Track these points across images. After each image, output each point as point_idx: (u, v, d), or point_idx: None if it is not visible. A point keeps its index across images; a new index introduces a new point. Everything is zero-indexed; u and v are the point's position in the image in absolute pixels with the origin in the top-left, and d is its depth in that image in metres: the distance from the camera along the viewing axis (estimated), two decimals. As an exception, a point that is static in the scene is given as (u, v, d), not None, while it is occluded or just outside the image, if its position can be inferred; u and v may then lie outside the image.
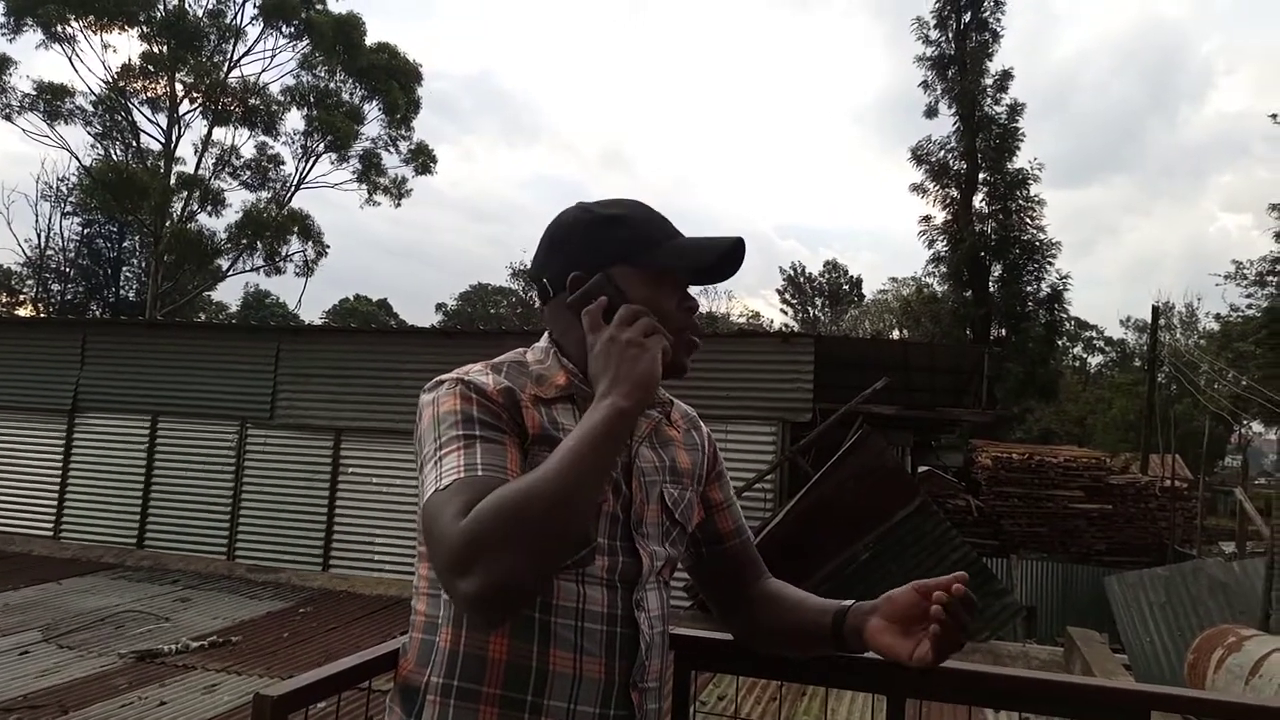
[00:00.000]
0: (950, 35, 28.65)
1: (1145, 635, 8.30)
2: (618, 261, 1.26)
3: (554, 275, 1.30)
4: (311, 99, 27.56)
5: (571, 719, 1.16)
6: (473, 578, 0.99)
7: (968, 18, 28.46)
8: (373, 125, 28.75)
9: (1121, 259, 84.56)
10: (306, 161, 28.54)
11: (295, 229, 28.82)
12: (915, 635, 1.20)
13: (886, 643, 1.23)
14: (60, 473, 11.21)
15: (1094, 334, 48.50)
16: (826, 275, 50.00)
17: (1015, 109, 28.12)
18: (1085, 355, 49.71)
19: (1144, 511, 14.13)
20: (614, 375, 1.14)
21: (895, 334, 38.05)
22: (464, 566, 1.00)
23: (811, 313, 49.19)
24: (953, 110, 28.45)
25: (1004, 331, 27.95)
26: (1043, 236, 28.15)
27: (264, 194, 28.88)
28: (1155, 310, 26.78)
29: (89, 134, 27.59)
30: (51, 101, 25.76)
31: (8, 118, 25.40)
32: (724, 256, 1.29)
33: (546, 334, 1.34)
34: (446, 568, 1.03)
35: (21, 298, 37.17)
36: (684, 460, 1.37)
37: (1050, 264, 28.14)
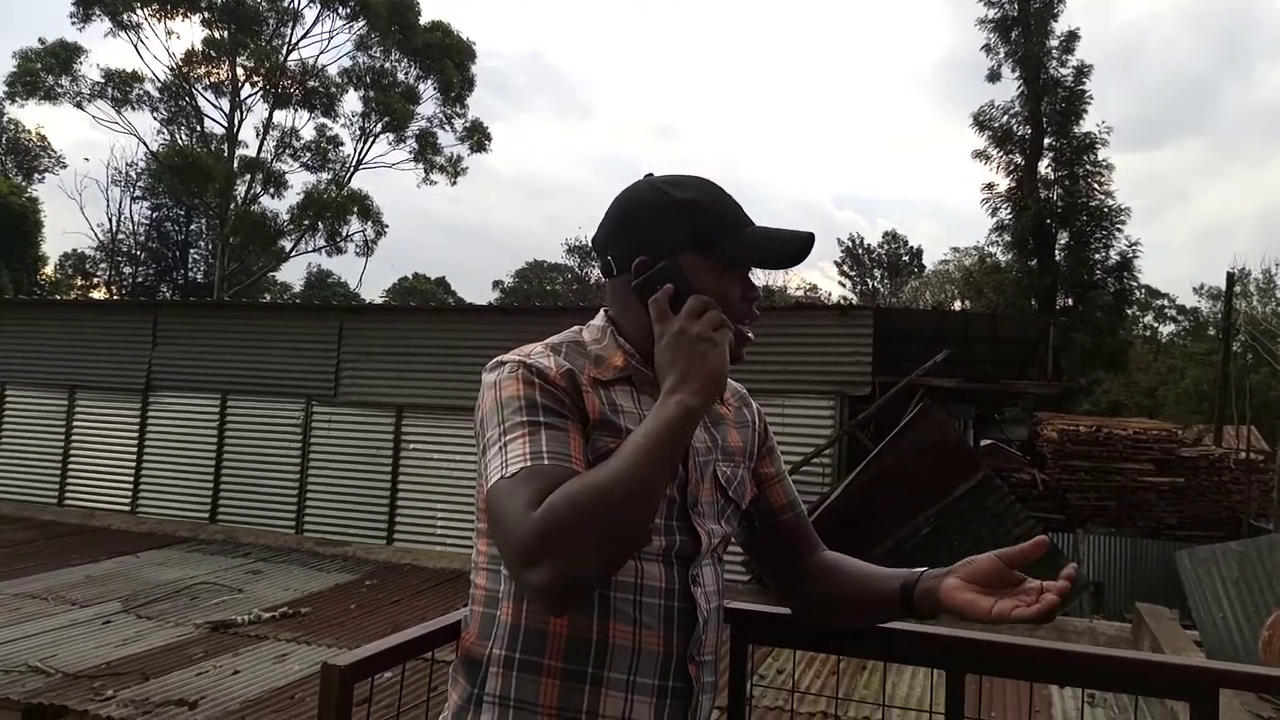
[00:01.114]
0: (1014, -4, 27.77)
1: (1218, 611, 8.08)
2: (687, 249, 1.24)
3: (620, 254, 1.28)
4: (368, 80, 27.90)
5: (631, 690, 1.18)
6: (542, 570, 1.01)
7: (1032, -23, 27.54)
8: (428, 105, 29.10)
9: (1194, 224, 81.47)
10: (365, 142, 28.99)
11: (355, 209, 29.31)
12: (997, 593, 1.21)
13: (966, 599, 1.22)
14: (136, 450, 11.60)
15: (1165, 302, 46.96)
16: (885, 246, 49.18)
17: (1082, 71, 27.18)
18: (1156, 324, 48.21)
19: (1217, 485, 13.72)
20: (683, 371, 1.13)
21: (957, 305, 37.33)
22: (534, 559, 1.02)
23: (870, 284, 48.47)
24: (1016, 74, 27.59)
25: (1070, 301, 27.20)
26: (1111, 202, 27.25)
27: (324, 175, 29.46)
28: (1230, 276, 25.81)
29: (155, 120, 28.39)
30: (120, 88, 26.50)
31: (79, 105, 26.22)
32: (796, 252, 1.26)
33: (603, 311, 1.33)
34: (516, 558, 1.04)
35: (95, 280, 38.48)
36: (735, 438, 1.38)
37: (1119, 230, 27.25)
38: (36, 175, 36.48)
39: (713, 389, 1.13)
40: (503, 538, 1.07)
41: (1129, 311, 32.33)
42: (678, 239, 1.25)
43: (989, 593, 1.21)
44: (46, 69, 25.18)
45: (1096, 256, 27.33)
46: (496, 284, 50.48)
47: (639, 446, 1.06)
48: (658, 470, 1.06)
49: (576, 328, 1.32)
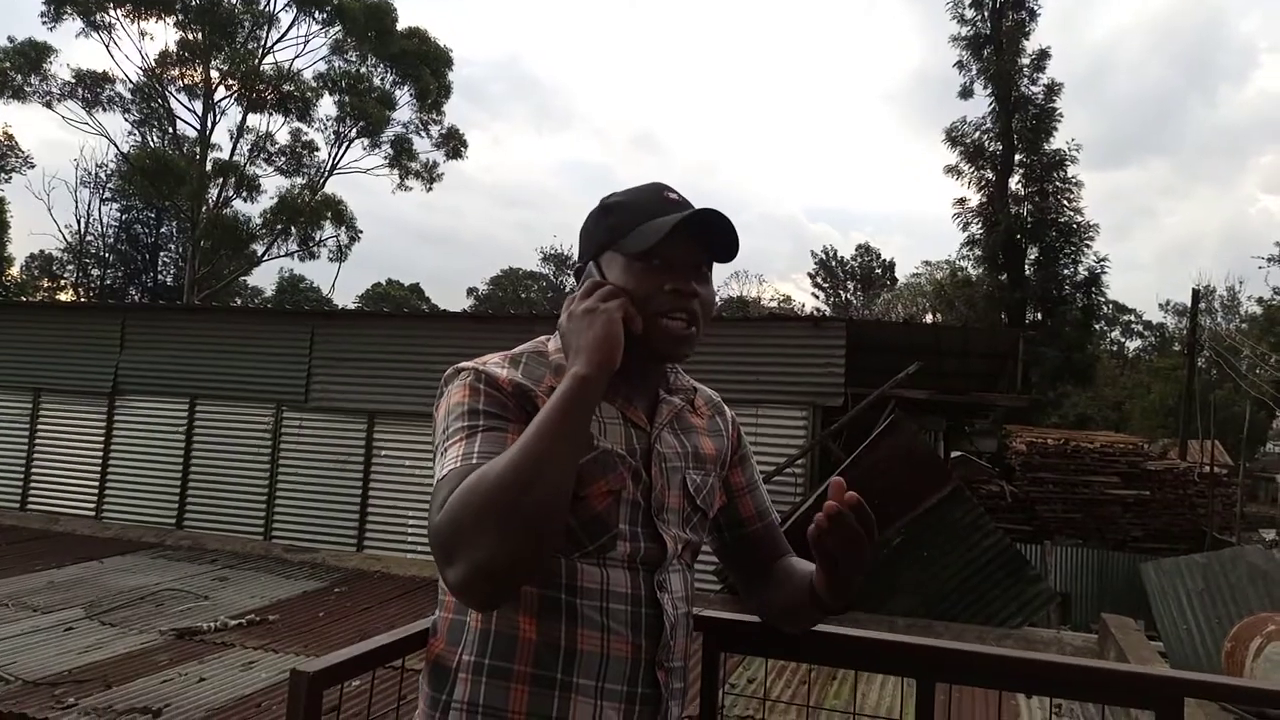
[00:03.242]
0: (986, 14, 28.18)
1: (1182, 623, 8.19)
2: (605, 249, 1.29)
3: (578, 267, 1.35)
4: (344, 85, 27.73)
5: (600, 696, 1.18)
6: (456, 565, 1.01)
7: (1004, -4, 27.97)
8: (404, 110, 28.96)
9: (1160, 242, 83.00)
10: (339, 147, 28.79)
11: (329, 214, 29.08)
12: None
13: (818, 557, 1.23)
14: (102, 454, 11.43)
15: (1132, 318, 47.75)
16: (858, 259, 49.60)
17: (1052, 89, 27.63)
18: (1123, 339, 49.02)
19: (1182, 498, 13.94)
20: (574, 344, 1.15)
21: (928, 318, 37.68)
22: (447, 555, 1.02)
23: (843, 296, 48.83)
24: (988, 90, 28.01)
25: (1040, 315, 27.57)
26: (1080, 219, 27.72)
27: (298, 180, 29.19)
28: (1195, 293, 26.30)
29: (127, 121, 28.06)
30: (91, 89, 26.16)
31: (48, 105, 25.83)
32: (684, 232, 1.22)
33: None
34: (436, 558, 1.05)
35: (63, 282, 37.94)
36: (707, 446, 1.38)
37: (1088, 247, 27.71)
38: (3, 175, 35.93)
39: (602, 353, 1.13)
40: (429, 540, 1.08)
41: (1097, 326, 32.81)
42: (598, 241, 1.30)
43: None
44: (15, 68, 24.81)
45: (1065, 272, 27.72)
46: (471, 291, 50.45)
47: (535, 425, 1.07)
48: (557, 444, 1.05)
49: (544, 337, 1.33)
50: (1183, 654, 7.99)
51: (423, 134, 29.28)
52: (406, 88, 28.48)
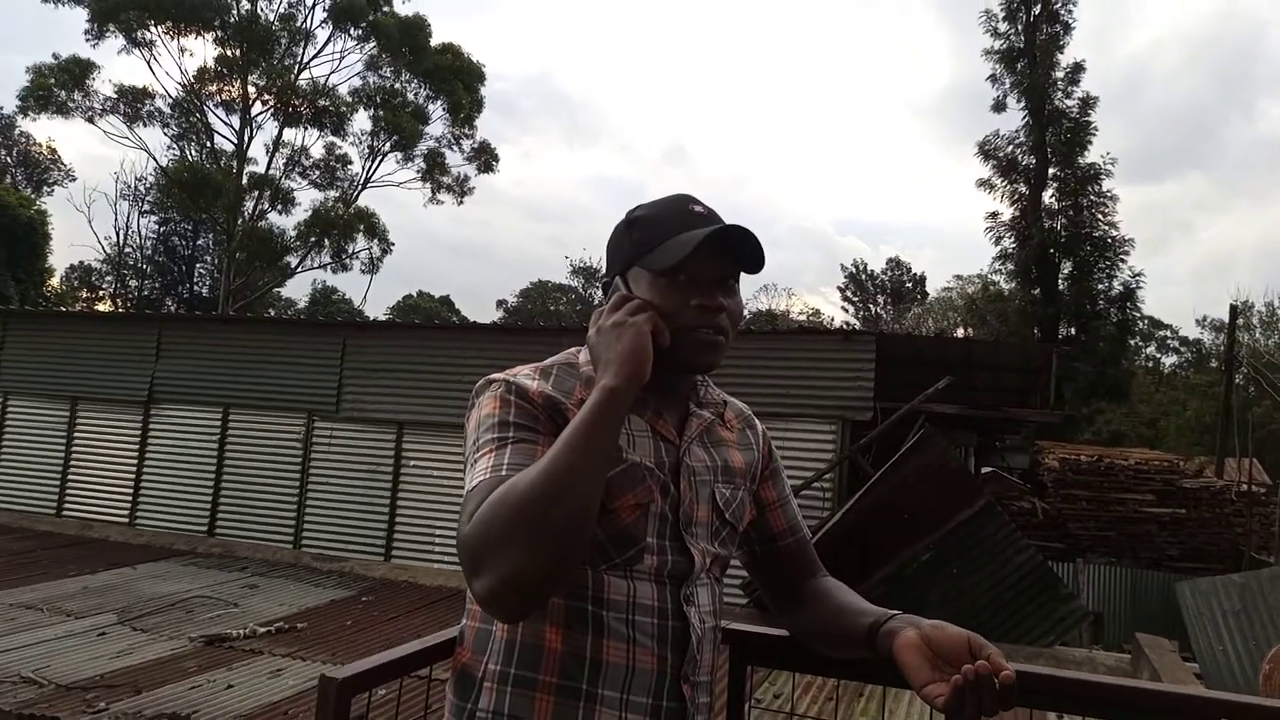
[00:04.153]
0: (1020, 28, 28.02)
1: (1218, 644, 8.03)
2: (631, 264, 1.28)
3: (603, 282, 1.35)
4: (378, 100, 28.07)
5: (625, 708, 1.17)
6: (484, 577, 1.02)
7: (1038, 10, 27.78)
8: (436, 125, 29.24)
9: (1197, 256, 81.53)
10: (373, 161, 29.11)
11: (361, 227, 29.42)
12: (940, 673, 1.14)
13: (910, 660, 1.17)
14: (136, 462, 11.60)
15: (1168, 333, 46.96)
16: (888, 272, 49.27)
17: (1087, 102, 27.36)
18: (1159, 355, 48.19)
19: (1219, 517, 13.65)
20: (604, 359, 1.15)
21: (960, 332, 37.36)
22: (474, 566, 1.03)
23: (873, 310, 48.54)
24: (1022, 104, 27.80)
25: (1073, 330, 27.24)
26: (1115, 233, 27.38)
27: (332, 193, 29.57)
28: (1233, 309, 25.80)
29: (166, 135, 28.62)
30: (132, 104, 26.67)
31: (90, 120, 26.38)
32: (709, 247, 1.21)
33: None
34: (464, 569, 1.05)
35: (101, 293, 38.66)
36: (737, 460, 1.37)
37: (1123, 261, 27.36)
38: (46, 188, 36.78)
39: (629, 365, 1.13)
40: (458, 552, 1.08)
41: (1131, 342, 32.34)
42: (626, 255, 1.29)
43: (938, 665, 1.15)
44: (60, 84, 25.36)
45: (1100, 286, 27.39)
46: (500, 303, 50.71)
47: (564, 438, 1.07)
48: (586, 457, 1.05)
49: (574, 349, 1.34)
50: (1219, 676, 7.83)
51: (455, 148, 29.58)
52: (439, 102, 28.78)
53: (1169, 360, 48.52)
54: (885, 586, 7.31)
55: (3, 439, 12.32)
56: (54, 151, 37.79)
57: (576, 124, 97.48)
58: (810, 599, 1.43)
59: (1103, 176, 27.28)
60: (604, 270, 1.37)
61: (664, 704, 1.20)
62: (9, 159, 37.65)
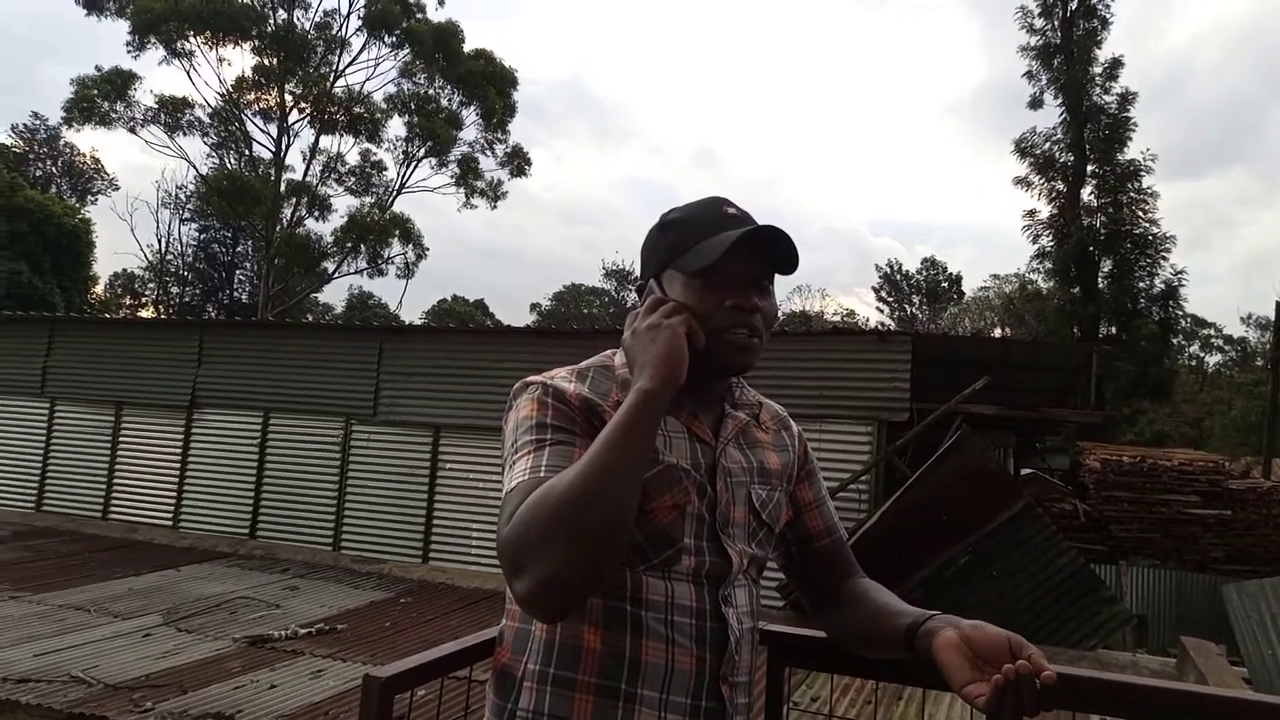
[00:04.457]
0: (1056, 23, 27.66)
1: (1267, 648, 7.86)
2: (665, 266, 1.29)
3: (638, 285, 1.37)
4: (412, 106, 28.35)
5: (664, 709, 1.18)
6: (523, 578, 1.03)
7: (1074, 4, 27.42)
8: (470, 130, 29.46)
9: (1240, 252, 79.78)
10: (407, 167, 29.42)
11: (397, 232, 29.71)
12: (980, 673, 1.13)
13: (950, 660, 1.16)
14: (179, 466, 11.79)
15: (1212, 332, 46.08)
16: (924, 272, 48.83)
17: (1126, 98, 26.94)
18: (1202, 354, 47.31)
19: (1266, 518, 13.36)
20: (639, 361, 1.16)
21: (997, 332, 36.92)
22: (514, 568, 1.04)
23: (909, 310, 48.12)
24: (1059, 101, 27.44)
25: (1114, 329, 26.80)
26: (1156, 230, 26.91)
27: (367, 199, 29.92)
28: (1279, 306, 25.28)
29: (205, 144, 29.13)
30: (172, 114, 27.15)
31: (132, 130, 26.92)
32: (743, 248, 1.22)
33: None
34: (504, 570, 1.07)
35: (144, 300, 39.38)
36: (773, 461, 1.38)
37: (1164, 259, 26.89)
38: (90, 197, 37.57)
39: (665, 367, 1.14)
40: (497, 552, 1.09)
41: (1174, 340, 31.78)
42: (660, 258, 1.30)
43: (978, 665, 1.14)
44: (102, 95, 25.88)
45: (1141, 285, 26.95)
46: (534, 307, 50.95)
47: (601, 440, 1.08)
48: (622, 459, 1.06)
49: (610, 351, 1.35)
50: (1268, 680, 7.66)
51: (488, 153, 29.81)
52: (473, 108, 29.01)
53: (1213, 359, 47.62)
54: (923, 589, 7.24)
55: (51, 444, 12.59)
56: (97, 161, 38.61)
57: (607, 127, 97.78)
58: (847, 600, 1.43)
59: (1143, 173, 26.87)
60: (638, 273, 1.38)
61: (703, 704, 1.21)
62: (54, 169, 38.52)
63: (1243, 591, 8.42)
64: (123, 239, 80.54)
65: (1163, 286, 26.94)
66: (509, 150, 29.86)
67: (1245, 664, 7.95)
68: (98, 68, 26.29)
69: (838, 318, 45.29)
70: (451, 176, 29.74)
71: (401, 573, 9.43)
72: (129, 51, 26.15)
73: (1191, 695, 1.40)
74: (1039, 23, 27.83)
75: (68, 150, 37.98)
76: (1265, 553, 12.98)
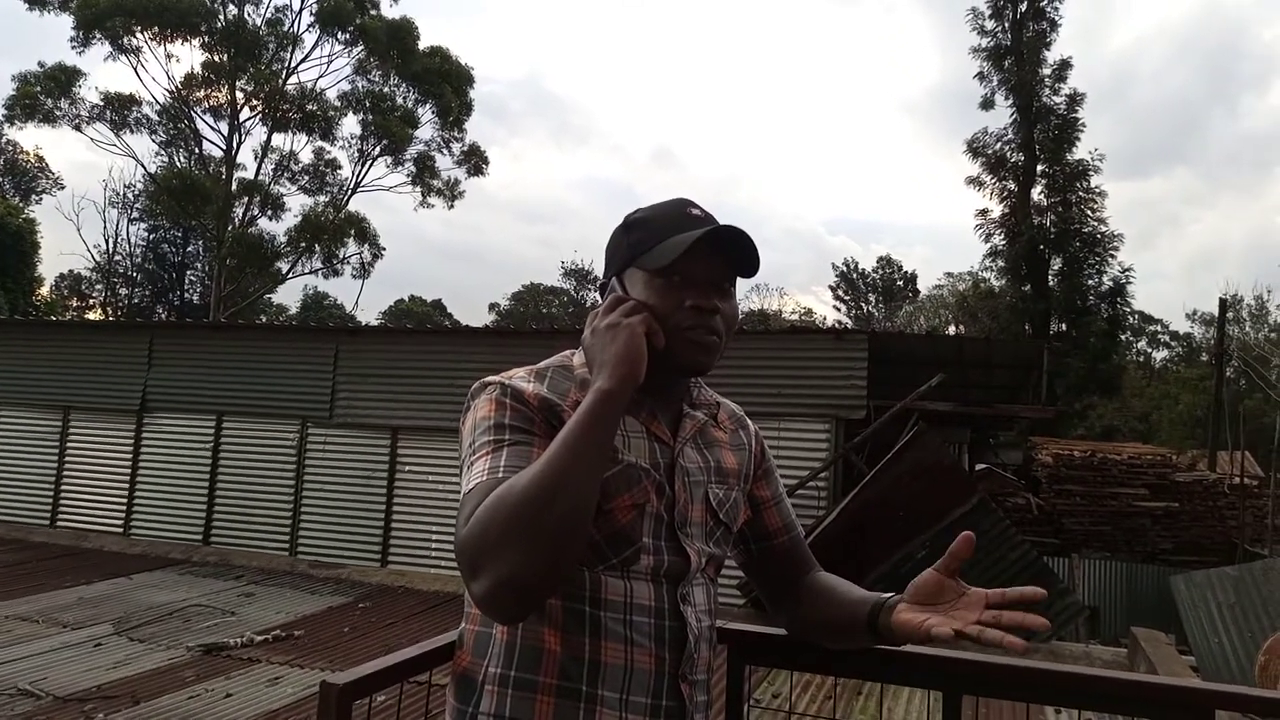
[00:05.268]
0: (1007, 25, 28.12)
1: (1213, 636, 8.06)
2: (628, 265, 1.30)
3: (600, 284, 1.37)
4: (367, 104, 28.02)
5: (625, 709, 1.18)
6: (482, 579, 1.03)
7: (1024, 7, 27.91)
8: (426, 128, 29.18)
9: (1185, 251, 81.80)
10: (362, 165, 29.07)
11: (352, 232, 29.34)
12: (932, 610, 1.22)
13: (907, 619, 1.23)
14: (130, 471, 11.56)
15: (1158, 328, 47.17)
16: (879, 271, 49.42)
17: (1075, 99, 27.47)
18: (1149, 350, 48.39)
19: (1212, 510, 13.72)
20: (598, 360, 1.17)
21: (951, 330, 37.45)
22: (473, 569, 1.04)
23: (865, 309, 48.66)
24: (1010, 101, 27.90)
25: (1064, 326, 27.32)
26: (1104, 229, 27.47)
27: (322, 198, 29.51)
28: (1222, 303, 25.93)
29: (154, 142, 28.50)
30: (119, 111, 26.56)
31: (77, 128, 26.28)
32: (705, 248, 1.22)
33: None
34: (462, 571, 1.06)
35: (91, 301, 38.50)
36: (730, 461, 1.38)
37: (1112, 257, 27.43)
38: (34, 196, 36.58)
39: (624, 366, 1.14)
40: (455, 554, 1.09)
41: (1122, 337, 32.44)
42: (623, 257, 1.31)
43: (931, 608, 1.23)
44: (46, 92, 25.24)
45: (1090, 282, 27.49)
46: (493, 306, 50.62)
47: (560, 440, 1.08)
48: (581, 459, 1.06)
49: (569, 351, 1.34)
50: (1215, 668, 7.86)
51: (444, 151, 29.54)
52: (429, 106, 28.73)
53: (1160, 355, 48.77)
54: (881, 585, 7.30)
55: (-6, 450, 12.27)
56: (41, 160, 37.58)
57: (565, 126, 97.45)
58: (806, 595, 1.45)
59: (1091, 172, 27.41)
60: (598, 272, 1.39)
61: (663, 703, 1.21)
62: (-4, 168, 37.49)
63: (1190, 582, 8.63)
64: (69, 239, 78.64)
65: (1111, 284, 27.52)
66: (466, 149, 29.65)
67: (1193, 652, 8.16)
68: (41, 64, 25.64)
69: (795, 316, 45.65)
70: (408, 175, 29.47)
71: (360, 577, 9.34)
72: (73, 47, 25.54)
73: (1143, 685, 1.43)
74: (990, 24, 28.30)
75: (10, 148, 36.92)
76: (1211, 544, 13.33)
